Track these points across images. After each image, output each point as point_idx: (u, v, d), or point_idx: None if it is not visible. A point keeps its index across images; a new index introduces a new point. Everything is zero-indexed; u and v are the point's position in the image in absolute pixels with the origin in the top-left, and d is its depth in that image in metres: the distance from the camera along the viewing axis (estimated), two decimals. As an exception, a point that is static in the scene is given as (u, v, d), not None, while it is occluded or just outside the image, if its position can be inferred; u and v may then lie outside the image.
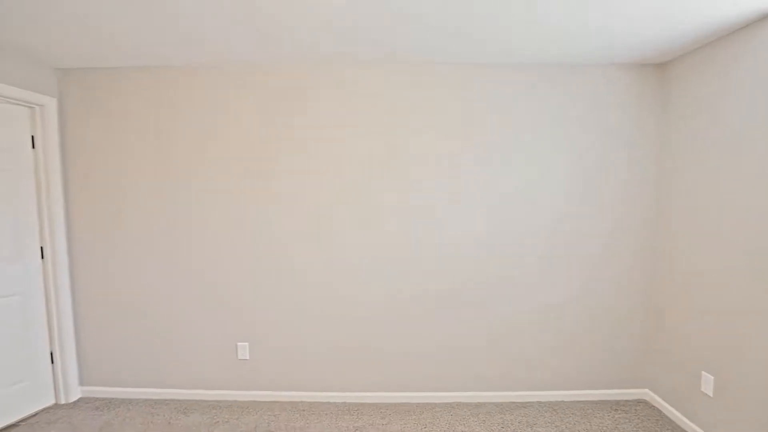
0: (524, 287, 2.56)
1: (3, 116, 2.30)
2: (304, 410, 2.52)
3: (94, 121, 2.55)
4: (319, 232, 2.56)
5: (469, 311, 2.58)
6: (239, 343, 2.64)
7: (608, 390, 2.61)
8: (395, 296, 2.58)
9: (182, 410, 2.52)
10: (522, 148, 2.50)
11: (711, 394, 2.08)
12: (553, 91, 2.47)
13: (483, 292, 2.57)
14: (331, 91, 2.48)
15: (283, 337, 2.62)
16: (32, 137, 2.45)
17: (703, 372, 2.14)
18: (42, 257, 2.51)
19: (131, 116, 2.54)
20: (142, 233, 2.59)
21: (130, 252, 2.60)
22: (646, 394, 2.59)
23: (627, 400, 2.58)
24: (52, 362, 2.56)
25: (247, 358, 2.65)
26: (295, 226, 2.56)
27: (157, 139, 2.54)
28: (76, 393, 2.64)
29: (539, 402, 2.59)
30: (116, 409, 2.52)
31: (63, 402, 2.58)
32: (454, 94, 2.47)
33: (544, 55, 2.29)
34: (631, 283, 2.56)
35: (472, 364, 2.60)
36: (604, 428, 2.29)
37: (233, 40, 2.09)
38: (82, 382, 2.68)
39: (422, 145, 2.50)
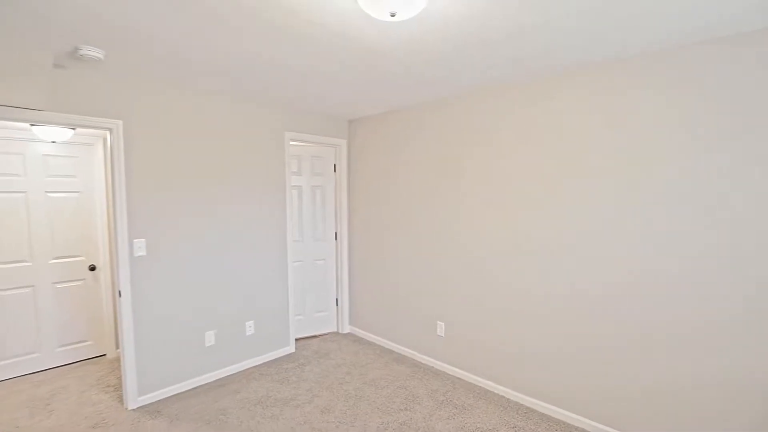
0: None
1: (322, 154, 3.93)
2: (478, 393, 2.86)
3: (364, 153, 3.85)
4: (505, 234, 2.81)
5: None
6: (438, 322, 3.28)
7: None
8: (579, 297, 2.47)
9: (396, 360, 3.43)
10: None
11: None
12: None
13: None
14: (508, 115, 2.69)
15: (471, 324, 3.04)
16: (334, 165, 4.01)
17: None
18: (336, 239, 4.06)
19: (381, 145, 3.67)
20: (387, 231, 3.69)
21: (380, 241, 3.75)
22: None
23: None
24: (337, 305, 4.10)
25: (443, 335, 3.25)
26: (483, 229, 2.92)
27: (394, 160, 3.56)
28: (346, 328, 4.09)
29: None
30: (362, 345, 3.75)
31: (339, 332, 4.08)
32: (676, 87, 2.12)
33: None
34: None
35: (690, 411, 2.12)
36: None
37: (429, 89, 2.75)
38: (350, 322, 4.11)
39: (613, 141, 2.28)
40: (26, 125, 2.92)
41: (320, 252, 3.99)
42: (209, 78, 2.55)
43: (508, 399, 2.79)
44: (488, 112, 2.83)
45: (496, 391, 2.88)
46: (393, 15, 1.47)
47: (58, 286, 3.23)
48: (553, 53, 2.12)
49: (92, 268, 3.38)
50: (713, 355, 1.98)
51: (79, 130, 3.01)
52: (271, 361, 3.41)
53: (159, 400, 2.75)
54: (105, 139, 3.33)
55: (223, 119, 3.05)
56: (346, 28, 1.79)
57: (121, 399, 2.74)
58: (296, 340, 3.86)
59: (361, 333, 3.98)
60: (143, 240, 2.68)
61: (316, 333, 4.01)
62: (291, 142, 3.70)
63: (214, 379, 3.06)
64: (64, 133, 2.82)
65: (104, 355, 3.47)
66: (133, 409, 2.63)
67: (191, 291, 2.93)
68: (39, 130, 2.73)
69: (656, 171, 2.12)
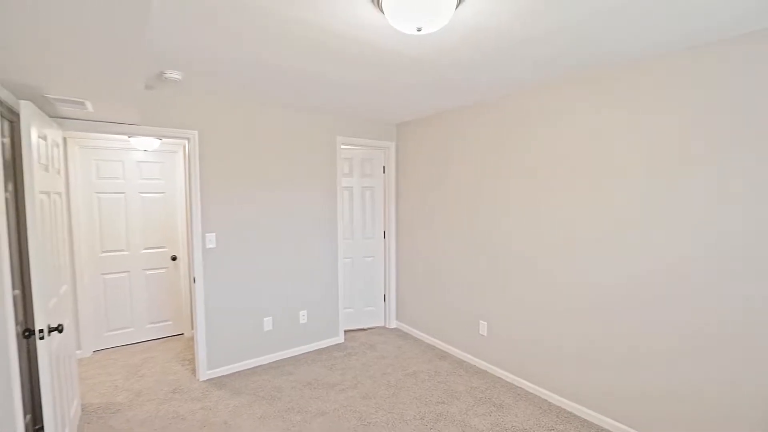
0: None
1: (371, 156, 4.14)
2: (518, 394, 2.86)
3: (412, 155, 3.99)
4: (547, 235, 2.79)
5: None
6: (480, 321, 3.31)
7: None
8: (624, 297, 2.39)
9: (439, 356, 3.52)
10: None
11: None
12: None
13: None
14: (549, 114, 2.66)
15: (512, 324, 3.04)
16: (383, 167, 4.19)
17: None
18: (384, 237, 4.25)
19: (427, 147, 3.78)
20: (433, 230, 3.80)
21: (426, 240, 3.87)
22: None
23: None
24: (384, 301, 4.28)
25: (485, 335, 3.27)
26: (525, 230, 2.92)
27: (439, 161, 3.65)
28: (393, 323, 4.26)
29: None
30: (407, 340, 3.89)
31: (387, 326, 4.26)
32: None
33: None
34: None
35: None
36: None
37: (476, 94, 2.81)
38: (397, 318, 4.26)
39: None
40: (125, 137, 3.49)
41: (369, 249, 4.20)
42: (268, 91, 2.86)
43: (549, 402, 2.75)
44: (526, 114, 2.82)
45: (536, 393, 2.85)
46: (419, 30, 1.60)
47: (148, 272, 3.81)
48: (576, 54, 2.09)
49: (174, 258, 3.92)
50: (774, 369, 1.82)
51: (164, 139, 3.53)
52: (322, 349, 3.68)
53: (224, 375, 3.13)
54: (184, 147, 3.85)
55: (281, 127, 3.38)
56: (380, 42, 1.95)
57: (194, 371, 3.18)
58: (345, 331, 4.11)
59: (406, 328, 4.12)
60: (213, 234, 3.08)
61: (365, 326, 4.23)
62: (342, 146, 3.95)
63: (270, 361, 3.39)
64: (153, 143, 3.34)
65: (182, 334, 4.01)
66: (203, 381, 3.04)
67: (252, 280, 3.28)
68: (135, 141, 3.26)
69: (695, 171, 1.99)
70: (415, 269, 3.98)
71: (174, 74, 2.49)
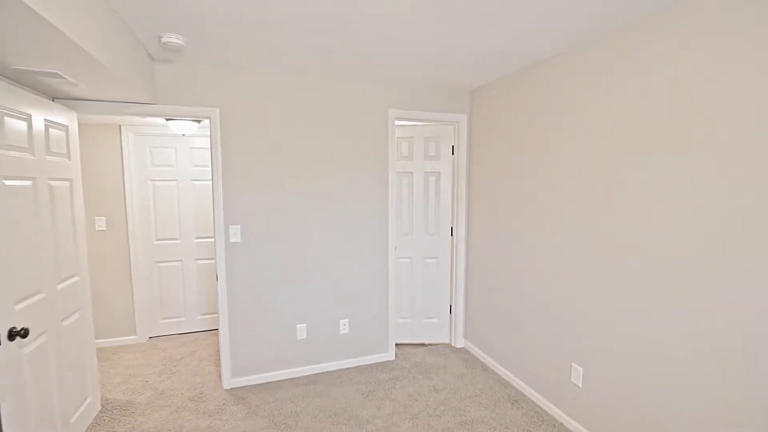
0: None
1: (437, 134, 3.32)
2: (626, 492, 1.84)
3: (490, 129, 3.06)
4: (681, 247, 1.68)
5: None
6: (573, 365, 2.30)
7: None
8: None
9: (511, 399, 2.61)
10: None
11: None
12: None
13: None
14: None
15: (625, 378, 1.99)
16: (452, 147, 3.34)
17: None
18: (451, 234, 3.41)
19: (511, 117, 2.81)
20: (515, 227, 2.85)
21: (505, 240, 2.94)
22: None
23: None
24: (450, 312, 3.46)
25: (580, 385, 2.26)
26: (644, 237, 1.83)
27: (527, 136, 2.67)
28: (460, 341, 3.42)
29: None
30: (473, 368, 3.03)
31: (452, 344, 3.44)
32: None
33: None
34: None
35: None
36: None
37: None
38: (465, 335, 3.42)
39: None
40: (162, 120, 3.33)
41: (432, 249, 3.43)
42: (297, 54, 2.31)
43: None
44: (667, 60, 1.70)
45: (660, 500, 1.79)
46: None
47: (199, 262, 3.70)
48: None
49: (225, 249, 3.76)
50: None
51: (205, 122, 3.29)
52: (364, 366, 3.08)
53: (248, 386, 2.77)
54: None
55: (317, 102, 2.81)
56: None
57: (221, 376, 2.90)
58: (400, 345, 3.43)
59: (475, 351, 3.26)
60: (238, 227, 2.71)
61: (425, 341, 3.49)
62: (397, 122, 3.23)
63: (301, 374, 2.93)
64: (191, 126, 3.12)
65: (234, 327, 3.85)
66: (226, 389, 2.72)
67: (283, 281, 2.84)
68: (173, 125, 3.07)
69: None
70: (490, 277, 3.07)
71: (174, 38, 2.11)
